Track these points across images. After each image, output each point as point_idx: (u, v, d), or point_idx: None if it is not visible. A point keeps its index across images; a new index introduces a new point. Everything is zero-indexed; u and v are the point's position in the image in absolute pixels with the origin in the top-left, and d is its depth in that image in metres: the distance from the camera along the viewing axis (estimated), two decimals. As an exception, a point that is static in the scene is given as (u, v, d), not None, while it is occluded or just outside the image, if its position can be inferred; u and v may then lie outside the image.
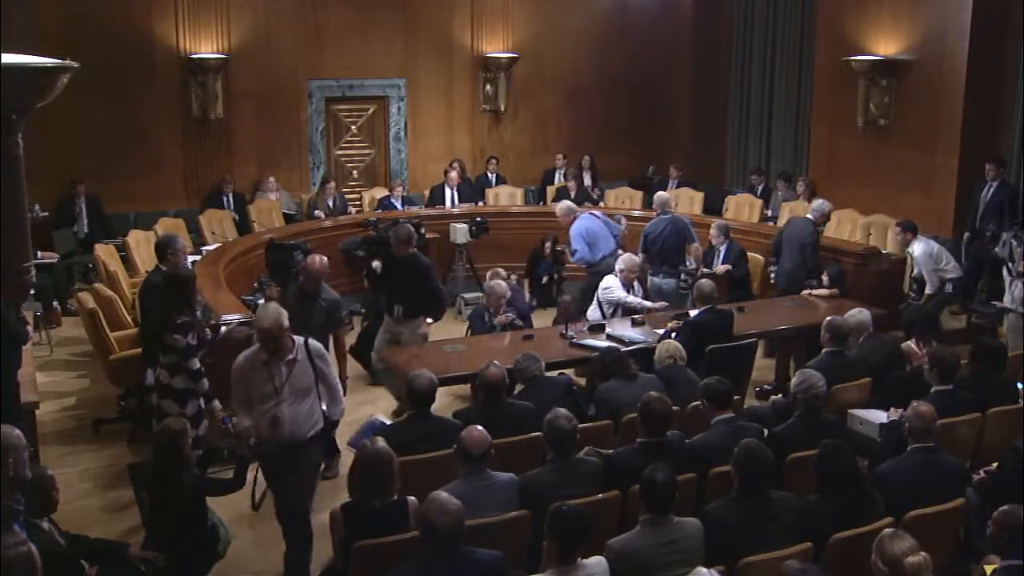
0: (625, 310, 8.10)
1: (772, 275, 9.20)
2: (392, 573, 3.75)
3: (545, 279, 10.90)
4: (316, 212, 11.81)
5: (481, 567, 3.78)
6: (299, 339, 5.03)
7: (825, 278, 8.65)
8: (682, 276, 8.72)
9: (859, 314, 6.79)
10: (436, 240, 10.71)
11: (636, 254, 8.75)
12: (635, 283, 8.36)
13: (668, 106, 14.58)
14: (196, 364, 5.82)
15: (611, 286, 8.20)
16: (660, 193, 9.73)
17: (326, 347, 5.95)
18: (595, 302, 8.37)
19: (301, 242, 7.67)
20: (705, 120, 14.24)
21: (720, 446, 4.91)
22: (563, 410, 4.76)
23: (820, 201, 9.18)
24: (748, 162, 13.42)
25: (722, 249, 9.46)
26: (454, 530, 3.71)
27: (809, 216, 8.99)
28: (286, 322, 4.92)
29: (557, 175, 13.34)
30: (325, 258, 6.40)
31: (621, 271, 8.26)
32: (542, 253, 11.04)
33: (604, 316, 8.07)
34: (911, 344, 6.55)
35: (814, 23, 12.08)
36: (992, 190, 9.47)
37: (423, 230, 8.23)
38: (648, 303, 8.24)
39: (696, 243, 9.12)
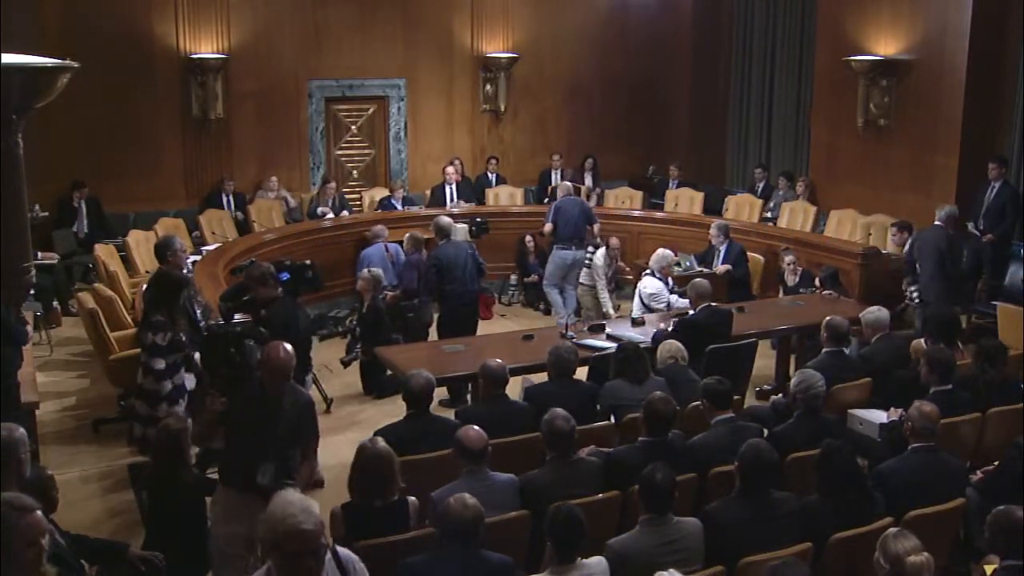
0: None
1: (913, 294, 8.50)
2: (404, 563, 3.78)
3: (535, 277, 11.01)
4: (321, 211, 11.74)
5: (492, 568, 3.79)
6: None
7: (817, 281, 8.68)
8: (588, 250, 9.86)
9: (877, 311, 6.68)
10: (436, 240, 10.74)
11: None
12: (669, 279, 8.64)
13: (668, 106, 14.58)
14: (160, 364, 5.73)
15: (656, 291, 8.35)
16: (564, 182, 10.89)
17: (293, 467, 4.58)
18: (638, 299, 8.52)
19: (249, 323, 5.76)
20: (705, 120, 14.23)
21: (720, 446, 4.92)
22: (561, 410, 4.75)
23: (949, 207, 8.61)
24: (748, 162, 13.42)
25: (722, 249, 9.48)
26: (473, 525, 3.73)
27: (938, 223, 8.47)
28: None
29: (554, 175, 13.33)
30: (288, 345, 4.66)
31: (660, 269, 8.47)
32: (527, 251, 11.16)
33: (651, 312, 8.24)
34: (921, 342, 6.52)
35: (814, 23, 12.07)
36: (995, 190, 9.44)
37: (311, 272, 6.74)
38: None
39: (598, 223, 10.26)
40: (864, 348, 6.51)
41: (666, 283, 8.50)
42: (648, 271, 8.67)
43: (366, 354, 8.07)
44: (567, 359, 5.80)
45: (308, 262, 6.94)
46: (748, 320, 7.71)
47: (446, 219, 8.80)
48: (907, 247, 8.72)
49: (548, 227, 9.98)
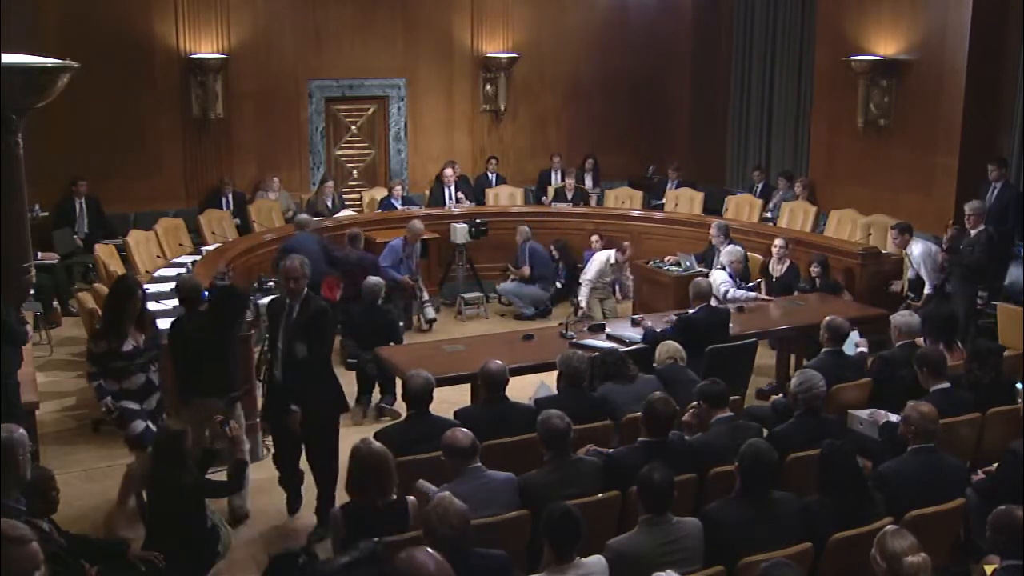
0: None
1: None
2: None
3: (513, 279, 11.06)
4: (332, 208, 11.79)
5: (485, 567, 3.78)
6: None
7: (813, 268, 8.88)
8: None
9: (909, 316, 6.51)
10: (436, 240, 10.77)
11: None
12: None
13: (668, 106, 14.59)
14: (91, 368, 5.78)
15: (724, 284, 8.52)
16: (522, 227, 10.93)
17: None
18: None
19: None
20: (705, 120, 14.24)
21: (720, 446, 4.92)
22: (555, 410, 4.75)
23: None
24: (748, 162, 13.42)
25: (722, 249, 9.46)
26: (456, 539, 3.68)
27: None
28: None
29: (553, 176, 13.33)
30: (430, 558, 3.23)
31: (730, 263, 8.70)
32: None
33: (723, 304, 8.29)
34: (919, 341, 6.49)
35: (814, 23, 12.07)
36: (996, 191, 9.42)
37: (223, 300, 6.09)
38: (762, 295, 8.66)
39: None
40: (886, 351, 6.42)
41: (733, 279, 8.69)
42: (720, 266, 8.96)
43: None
44: (579, 368, 5.73)
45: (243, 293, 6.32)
46: (748, 320, 7.71)
47: (304, 215, 10.27)
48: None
49: (526, 269, 10.59)
